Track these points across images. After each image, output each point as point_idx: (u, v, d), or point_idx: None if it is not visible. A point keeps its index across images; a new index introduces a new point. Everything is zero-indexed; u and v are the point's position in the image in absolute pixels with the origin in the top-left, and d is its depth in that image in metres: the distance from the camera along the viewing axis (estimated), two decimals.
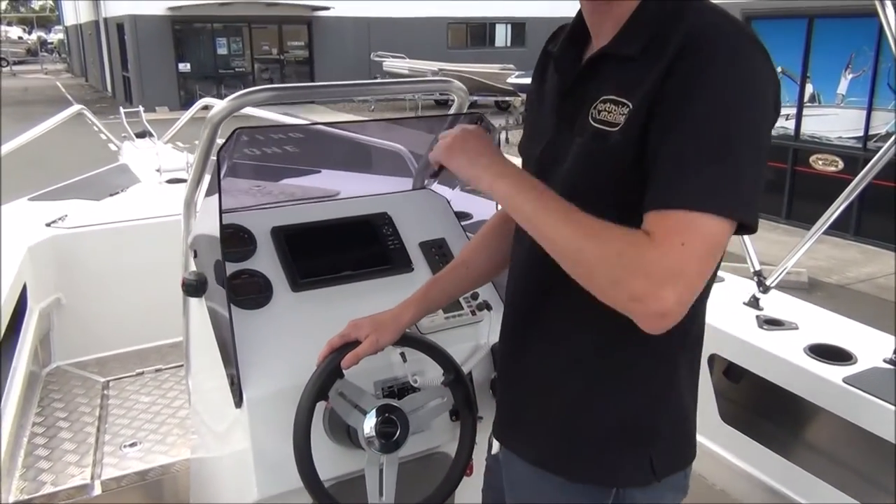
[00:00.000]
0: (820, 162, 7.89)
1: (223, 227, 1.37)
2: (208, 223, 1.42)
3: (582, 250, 0.92)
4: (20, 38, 48.38)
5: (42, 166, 8.13)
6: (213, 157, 1.40)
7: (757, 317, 2.02)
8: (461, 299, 1.55)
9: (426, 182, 1.86)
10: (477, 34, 23.92)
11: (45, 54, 45.42)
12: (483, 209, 1.68)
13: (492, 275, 1.40)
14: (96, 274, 2.41)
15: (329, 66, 21.11)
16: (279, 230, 1.55)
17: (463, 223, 1.81)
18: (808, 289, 6.28)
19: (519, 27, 24.03)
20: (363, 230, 1.65)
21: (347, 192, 1.90)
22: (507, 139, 13.69)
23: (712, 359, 1.99)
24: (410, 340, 1.34)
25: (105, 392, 2.34)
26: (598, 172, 1.01)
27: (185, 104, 19.98)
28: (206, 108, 4.07)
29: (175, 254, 1.61)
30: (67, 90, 27.57)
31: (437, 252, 1.68)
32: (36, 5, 75.66)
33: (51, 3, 64.37)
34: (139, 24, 19.26)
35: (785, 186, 8.21)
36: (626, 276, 0.88)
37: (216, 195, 1.36)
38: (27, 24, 55.00)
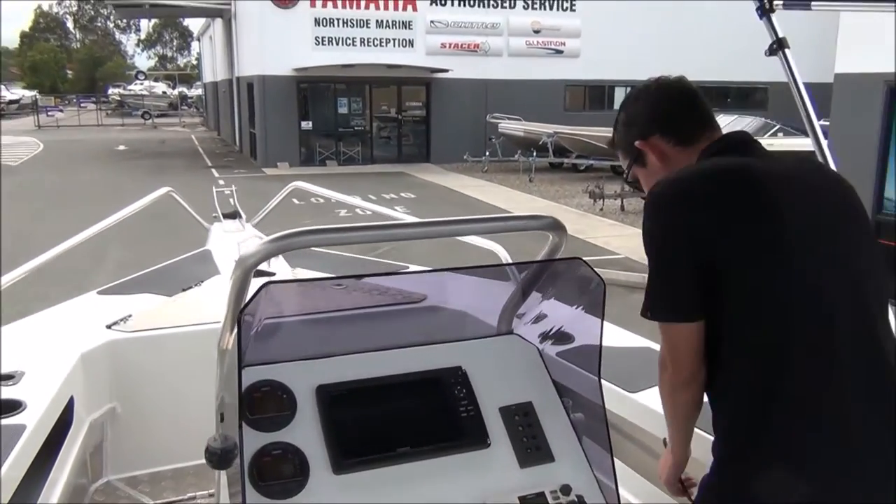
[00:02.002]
0: None
1: (251, 390, 1.12)
2: (243, 379, 1.17)
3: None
4: (164, 92, 51.92)
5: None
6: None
7: None
8: (548, 492, 1.23)
9: (513, 325, 1.54)
10: (595, 96, 23.64)
11: (185, 108, 48.55)
12: (587, 328, 1.35)
13: None
14: (156, 382, 2.23)
15: (445, 125, 21.34)
16: (325, 390, 1.27)
17: (561, 348, 1.48)
18: None
19: None
20: (429, 391, 1.34)
21: (434, 298, 1.62)
22: (622, 207, 13.19)
23: None
24: None
25: None
26: None
27: (305, 161, 20.66)
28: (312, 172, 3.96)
29: None
30: (200, 143, 29.20)
31: (521, 421, 1.33)
32: (182, 62, 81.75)
33: (194, 61, 69.32)
34: (267, 84, 20.15)
35: None
36: None
37: (255, 343, 1.12)
38: (171, 80, 59.22)
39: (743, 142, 1.51)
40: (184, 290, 2.61)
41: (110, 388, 2.16)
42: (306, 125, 20.81)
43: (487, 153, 19.80)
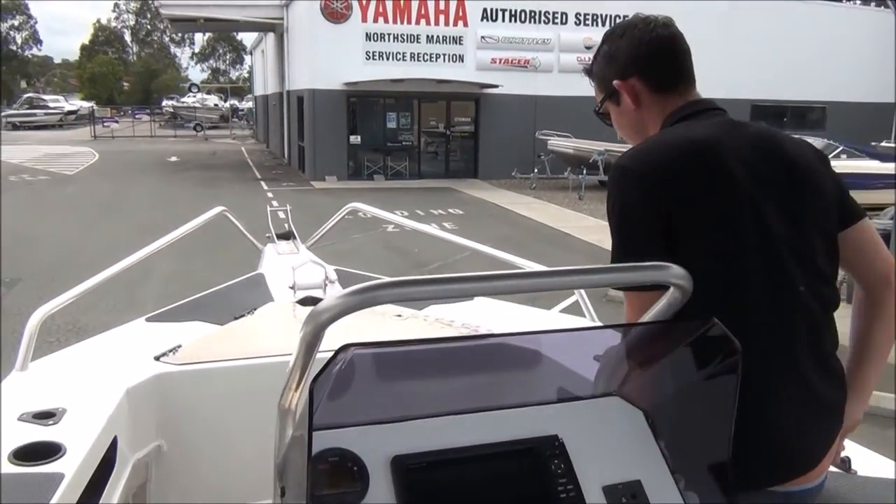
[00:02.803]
0: None
1: (316, 460, 0.94)
2: (303, 449, 0.99)
3: None
4: (216, 105, 52.82)
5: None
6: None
7: None
8: None
9: (614, 383, 1.33)
10: None
11: (235, 121, 49.35)
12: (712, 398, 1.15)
13: None
14: (205, 418, 2.07)
15: (493, 141, 21.19)
16: (401, 462, 1.08)
17: (676, 416, 1.27)
18: None
19: None
20: (522, 464, 1.15)
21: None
22: None
23: None
24: None
25: None
26: None
27: (353, 175, 20.68)
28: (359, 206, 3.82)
29: None
30: (249, 155, 29.55)
31: (629, 502, 1.15)
32: (234, 75, 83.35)
33: (245, 74, 70.57)
34: (317, 97, 20.26)
35: None
36: None
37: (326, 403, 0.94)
38: (223, 92, 60.29)
39: (709, 109, 1.53)
40: (236, 318, 2.46)
41: (156, 425, 2.01)
42: (355, 139, 20.85)
43: (536, 170, 19.56)
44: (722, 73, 17.69)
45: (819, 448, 1.42)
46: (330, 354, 0.97)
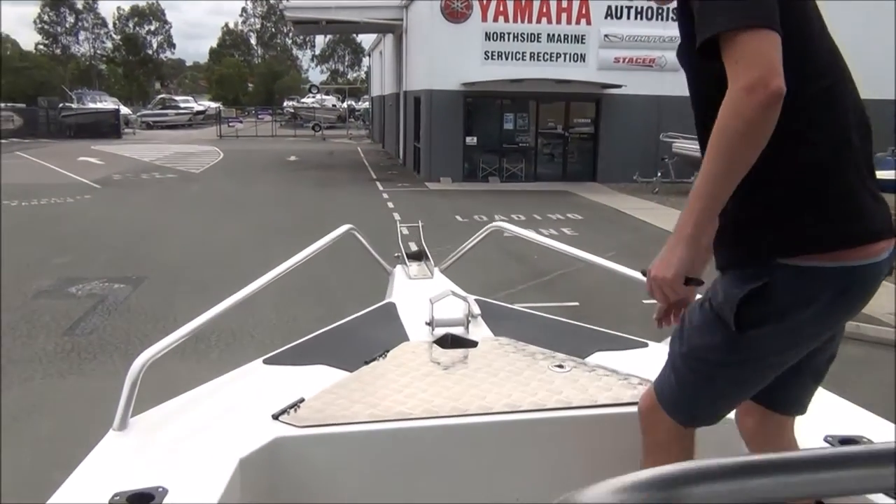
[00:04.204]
0: None
1: None
2: None
3: (727, 170, 1.34)
4: (334, 105, 54.00)
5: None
6: None
7: None
8: None
9: None
10: None
11: (352, 121, 50.28)
12: None
13: None
14: (329, 491, 1.72)
15: (614, 143, 20.39)
16: None
17: None
18: None
19: None
20: None
21: None
22: None
23: None
24: None
25: None
26: None
27: (468, 176, 20.38)
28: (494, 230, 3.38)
29: None
30: (365, 155, 29.88)
31: None
32: (352, 76, 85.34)
33: (363, 75, 72.05)
34: (434, 98, 20.10)
35: None
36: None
37: None
38: (341, 93, 61.64)
39: None
40: (366, 362, 2.11)
41: (274, 496, 1.67)
42: (470, 140, 20.55)
43: (659, 173, 18.64)
44: (858, 68, 16.23)
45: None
46: None
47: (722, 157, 1.32)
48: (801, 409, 1.65)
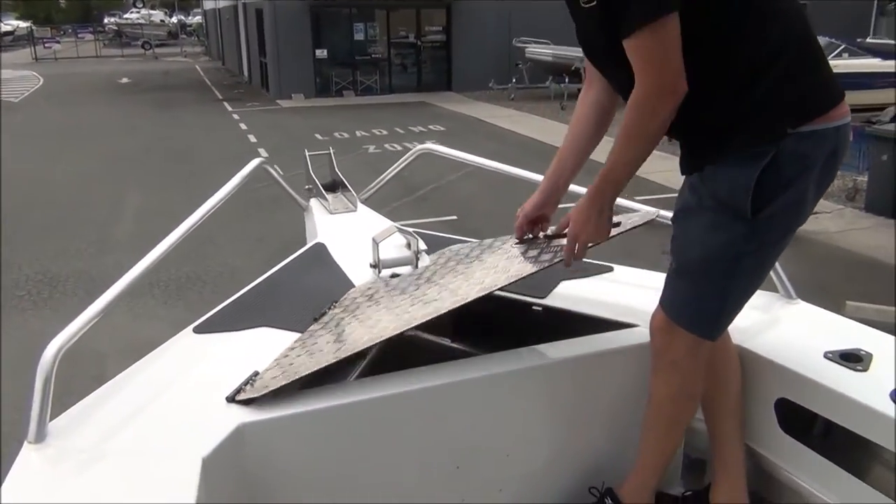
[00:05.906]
0: None
1: None
2: None
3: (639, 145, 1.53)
4: (162, 21, 50.06)
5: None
6: None
7: None
8: None
9: None
10: None
11: (185, 37, 46.84)
12: None
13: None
14: (307, 478, 1.50)
15: (467, 51, 20.18)
16: None
17: None
18: None
19: None
20: None
21: None
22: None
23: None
24: None
25: None
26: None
27: (321, 91, 19.63)
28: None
29: None
30: (205, 74, 28.02)
31: None
32: None
33: None
34: (278, 10, 18.95)
35: None
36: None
37: None
38: (169, 7, 57.10)
39: None
40: (315, 319, 1.83)
41: (246, 498, 1.43)
42: (321, 53, 19.66)
43: (514, 80, 18.72)
44: None
45: None
46: None
47: (641, 145, 1.52)
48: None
